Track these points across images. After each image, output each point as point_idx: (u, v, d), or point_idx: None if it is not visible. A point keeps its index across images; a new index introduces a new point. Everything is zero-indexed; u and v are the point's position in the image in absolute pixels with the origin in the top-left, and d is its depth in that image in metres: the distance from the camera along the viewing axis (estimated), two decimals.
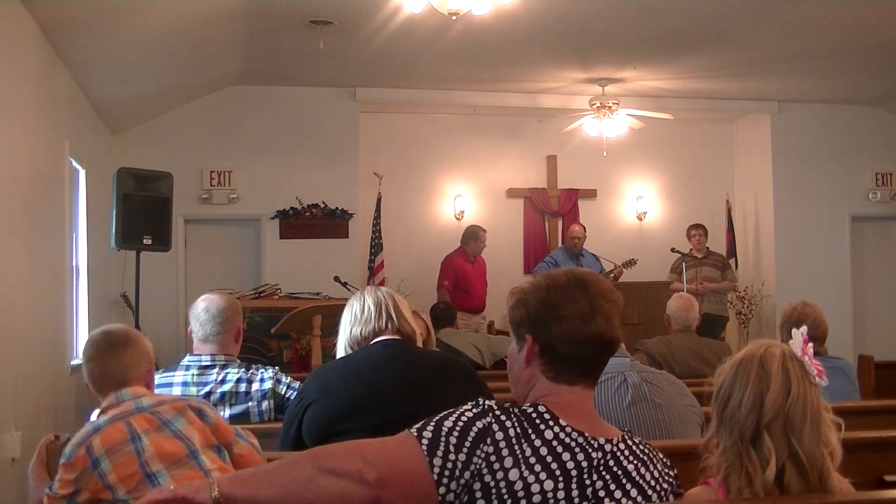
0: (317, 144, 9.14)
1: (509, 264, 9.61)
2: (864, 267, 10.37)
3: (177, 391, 3.29)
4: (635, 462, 1.81)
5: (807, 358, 1.91)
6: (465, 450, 1.69)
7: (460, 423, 1.72)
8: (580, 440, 1.76)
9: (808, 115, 10.00)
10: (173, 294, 8.77)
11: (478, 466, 1.69)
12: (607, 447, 1.78)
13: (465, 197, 10.02)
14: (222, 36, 7.09)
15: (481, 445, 1.70)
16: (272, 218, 9.06)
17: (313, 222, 9.09)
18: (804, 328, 1.94)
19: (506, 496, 1.68)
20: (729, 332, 9.93)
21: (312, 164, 9.10)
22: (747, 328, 9.94)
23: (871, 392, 5.50)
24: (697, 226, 9.28)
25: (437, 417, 1.75)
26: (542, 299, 1.87)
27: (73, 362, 6.52)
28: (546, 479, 1.70)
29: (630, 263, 8.76)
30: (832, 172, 10.04)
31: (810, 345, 1.92)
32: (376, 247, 9.29)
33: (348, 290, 7.04)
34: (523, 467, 1.70)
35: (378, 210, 9.37)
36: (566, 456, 1.74)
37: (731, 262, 9.93)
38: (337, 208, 9.12)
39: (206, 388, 3.31)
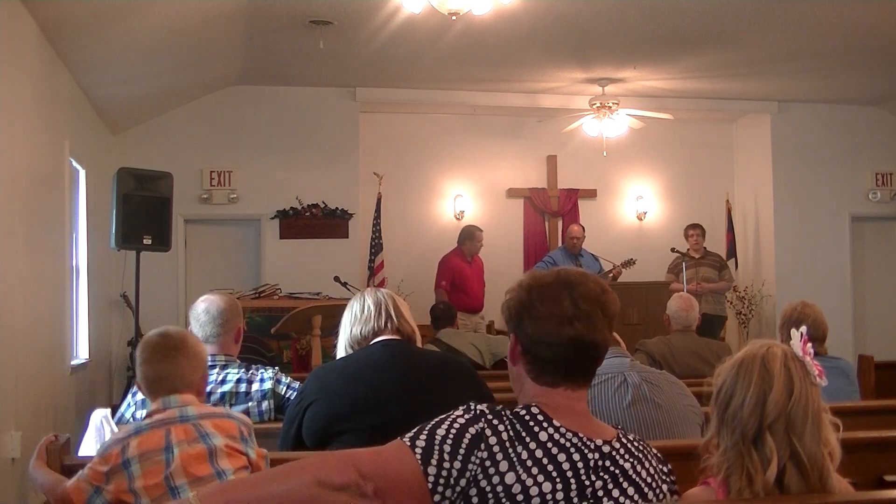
0: (317, 144, 9.14)
1: (509, 264, 9.60)
2: (864, 267, 10.37)
3: None
4: (632, 461, 1.80)
5: (808, 358, 1.91)
6: (459, 457, 1.69)
7: (453, 430, 1.72)
8: (575, 440, 1.76)
9: (808, 115, 10.00)
10: (173, 294, 8.77)
11: (473, 473, 1.68)
12: (605, 448, 1.78)
13: (465, 197, 10.02)
14: (222, 36, 7.09)
15: (475, 452, 1.69)
16: (272, 218, 9.06)
17: (313, 222, 9.09)
18: (804, 328, 1.94)
19: (504, 500, 1.67)
20: (729, 332, 9.93)
21: (312, 164, 9.10)
22: (747, 328, 9.94)
23: (871, 392, 5.50)
24: (695, 226, 9.27)
25: (430, 425, 1.74)
26: (523, 299, 1.86)
27: (73, 362, 6.52)
28: (544, 481, 1.69)
29: (629, 263, 8.76)
30: (832, 172, 10.05)
31: (810, 345, 1.92)
32: (376, 247, 9.29)
33: (348, 290, 7.04)
34: (520, 470, 1.69)
35: (378, 210, 9.37)
36: (562, 457, 1.73)
37: (731, 262, 9.94)
38: (337, 208, 9.12)
39: (207, 389, 3.31)
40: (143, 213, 6.68)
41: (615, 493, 1.75)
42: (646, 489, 1.80)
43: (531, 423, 1.76)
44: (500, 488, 1.68)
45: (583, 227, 9.06)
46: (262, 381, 3.34)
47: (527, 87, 9.21)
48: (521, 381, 1.88)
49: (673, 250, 9.13)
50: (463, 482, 1.68)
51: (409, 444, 1.70)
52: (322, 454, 1.75)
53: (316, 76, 8.70)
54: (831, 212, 10.07)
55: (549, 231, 10.17)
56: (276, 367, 3.52)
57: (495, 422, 1.74)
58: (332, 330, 3.79)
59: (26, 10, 5.21)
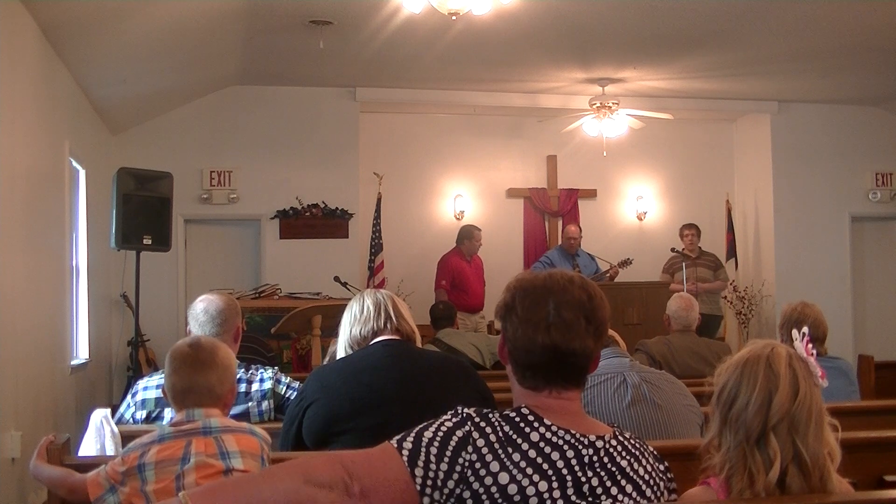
0: (317, 144, 9.14)
1: (509, 264, 9.60)
2: (864, 267, 10.37)
3: None
4: (629, 458, 1.80)
5: (812, 359, 1.91)
6: (446, 459, 1.69)
7: (440, 434, 1.72)
8: (568, 438, 1.76)
9: (808, 115, 10.00)
10: (173, 294, 8.77)
11: (462, 475, 1.69)
12: (599, 444, 1.77)
13: (464, 197, 10.02)
14: (222, 36, 7.09)
15: (462, 454, 1.70)
16: (272, 218, 9.06)
17: (313, 222, 9.09)
18: (805, 328, 1.94)
19: (500, 501, 1.68)
20: (729, 332, 9.94)
21: (312, 164, 9.10)
22: (747, 328, 9.94)
23: (871, 392, 5.50)
24: (690, 225, 9.27)
25: (418, 428, 1.75)
26: (508, 301, 1.86)
27: (73, 362, 6.52)
28: (539, 480, 1.70)
29: (625, 263, 8.76)
30: (832, 172, 10.05)
31: (811, 345, 1.92)
32: (376, 247, 9.30)
33: (348, 290, 7.04)
34: (514, 471, 1.69)
35: (378, 210, 9.37)
36: (555, 455, 1.73)
37: (731, 262, 9.95)
38: (337, 208, 9.12)
39: None
40: (143, 213, 6.68)
41: (613, 490, 1.75)
42: (644, 486, 1.80)
43: (522, 425, 1.76)
44: (494, 489, 1.68)
45: (580, 228, 9.07)
46: (261, 381, 3.34)
47: (527, 87, 9.21)
48: (511, 379, 1.89)
49: (673, 250, 9.13)
50: (451, 483, 1.69)
51: (396, 446, 1.72)
52: (310, 454, 1.76)
53: (316, 76, 8.70)
54: (831, 212, 10.07)
55: (548, 231, 10.17)
56: (276, 367, 3.52)
57: (482, 424, 1.74)
58: (332, 330, 3.78)
59: (26, 10, 5.21)
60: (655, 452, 1.90)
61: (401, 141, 9.92)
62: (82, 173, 7.12)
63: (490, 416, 1.77)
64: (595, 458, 1.76)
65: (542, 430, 1.75)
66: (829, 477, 1.86)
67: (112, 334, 8.29)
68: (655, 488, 1.83)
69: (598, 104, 8.85)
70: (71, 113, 6.66)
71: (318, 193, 9.08)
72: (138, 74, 7.31)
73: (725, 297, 9.86)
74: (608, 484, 1.75)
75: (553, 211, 10.12)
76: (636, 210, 10.39)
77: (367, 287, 7.61)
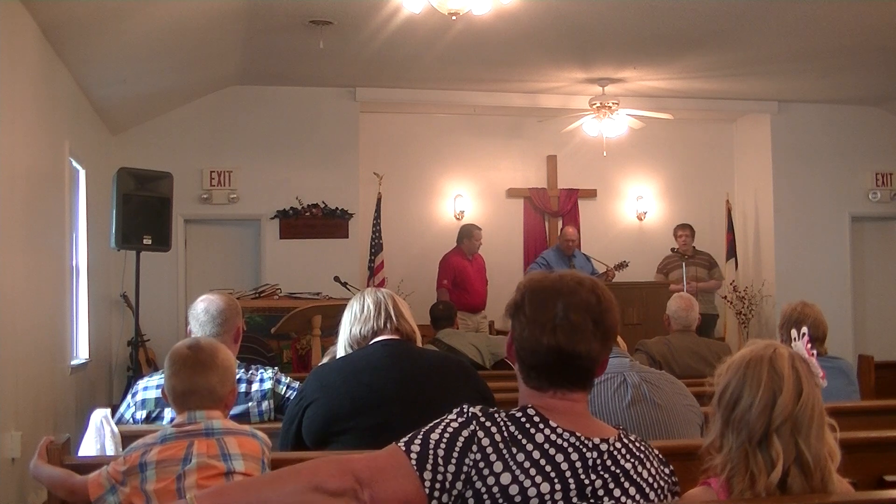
0: (317, 144, 9.14)
1: (509, 264, 9.60)
2: (864, 267, 10.37)
3: None
4: (633, 461, 1.79)
5: (813, 359, 1.91)
6: (453, 461, 1.69)
7: (447, 435, 1.72)
8: (572, 440, 1.75)
9: (808, 115, 10.00)
10: (173, 294, 8.77)
11: (468, 475, 1.69)
12: (603, 447, 1.77)
13: (464, 197, 10.02)
14: (222, 36, 7.09)
15: (468, 454, 1.70)
16: (272, 218, 9.06)
17: (313, 222, 9.09)
18: (805, 329, 1.94)
19: (501, 501, 1.67)
20: (729, 332, 9.94)
21: (312, 164, 9.10)
22: (747, 328, 9.93)
23: (871, 392, 5.50)
24: (684, 226, 9.28)
25: (424, 430, 1.75)
26: (517, 301, 1.86)
27: (73, 362, 6.52)
28: (542, 481, 1.69)
29: (621, 266, 8.77)
30: (832, 172, 10.04)
31: (810, 345, 1.92)
32: (376, 247, 9.29)
33: (348, 290, 7.04)
34: (517, 472, 1.69)
35: (378, 210, 9.37)
36: (559, 457, 1.73)
37: (731, 262, 9.95)
38: (337, 208, 9.12)
39: None
40: (143, 213, 6.69)
41: (616, 492, 1.75)
42: (647, 490, 1.80)
43: (527, 425, 1.75)
44: (496, 489, 1.68)
45: (578, 231, 9.06)
46: (261, 381, 3.34)
47: (527, 87, 9.21)
48: (518, 378, 1.89)
49: (673, 250, 9.13)
50: (459, 485, 1.68)
51: (404, 449, 1.71)
52: (317, 459, 1.75)
53: (316, 76, 8.70)
54: (831, 212, 10.07)
55: (548, 231, 10.16)
56: (276, 367, 3.52)
57: (487, 423, 1.74)
58: (332, 330, 3.79)
59: (26, 10, 5.21)
60: (661, 456, 1.89)
61: (401, 141, 9.92)
62: (82, 173, 7.12)
63: (496, 415, 1.77)
64: (598, 461, 1.75)
65: (546, 431, 1.75)
66: (830, 477, 1.86)
67: (112, 334, 8.29)
68: (659, 491, 1.82)
69: (598, 104, 8.85)
70: (71, 113, 6.66)
71: (318, 193, 9.08)
72: (138, 74, 7.31)
73: (725, 297, 9.87)
74: (611, 486, 1.75)
75: (553, 211, 10.12)
76: (636, 210, 10.39)
77: (367, 287, 7.60)
